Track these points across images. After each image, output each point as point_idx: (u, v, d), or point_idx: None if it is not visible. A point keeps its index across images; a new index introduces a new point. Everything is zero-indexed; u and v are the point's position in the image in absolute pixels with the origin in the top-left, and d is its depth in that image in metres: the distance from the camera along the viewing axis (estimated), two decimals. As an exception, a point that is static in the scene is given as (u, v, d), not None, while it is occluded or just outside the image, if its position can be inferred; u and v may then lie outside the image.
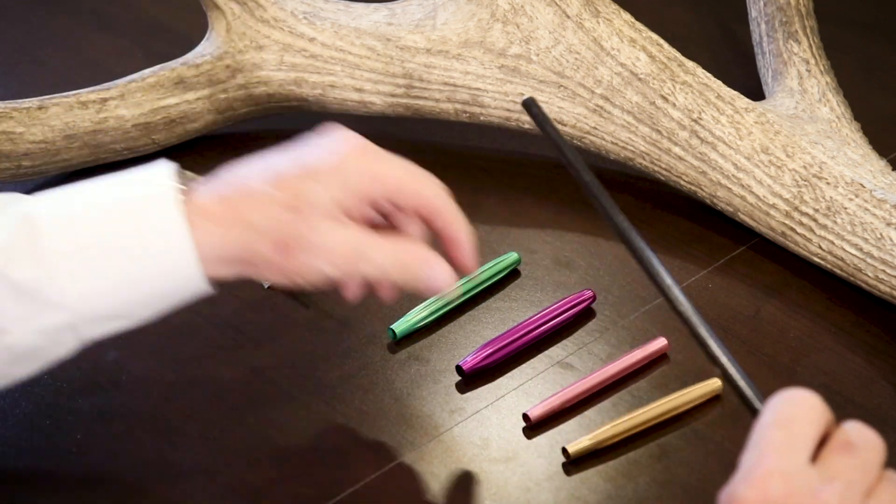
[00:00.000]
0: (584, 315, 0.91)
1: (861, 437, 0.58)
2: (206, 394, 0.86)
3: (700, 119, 0.97)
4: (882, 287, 0.91)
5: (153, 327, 0.90)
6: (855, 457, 0.57)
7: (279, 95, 1.04)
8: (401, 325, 0.90)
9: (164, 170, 0.73)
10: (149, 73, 1.02)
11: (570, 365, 0.88)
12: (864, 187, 0.92)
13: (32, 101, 0.99)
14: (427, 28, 1.02)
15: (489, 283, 0.94)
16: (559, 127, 1.00)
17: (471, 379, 0.87)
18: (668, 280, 0.68)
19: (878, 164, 0.96)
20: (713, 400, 0.85)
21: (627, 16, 1.00)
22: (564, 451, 0.82)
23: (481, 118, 1.03)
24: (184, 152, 1.05)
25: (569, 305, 0.91)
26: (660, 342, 0.89)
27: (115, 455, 0.82)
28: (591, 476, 0.81)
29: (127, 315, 0.73)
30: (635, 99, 0.98)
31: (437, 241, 0.78)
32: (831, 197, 0.93)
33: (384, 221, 0.77)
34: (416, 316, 0.90)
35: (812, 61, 1.03)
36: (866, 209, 0.92)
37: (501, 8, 1.00)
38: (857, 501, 0.56)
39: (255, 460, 0.82)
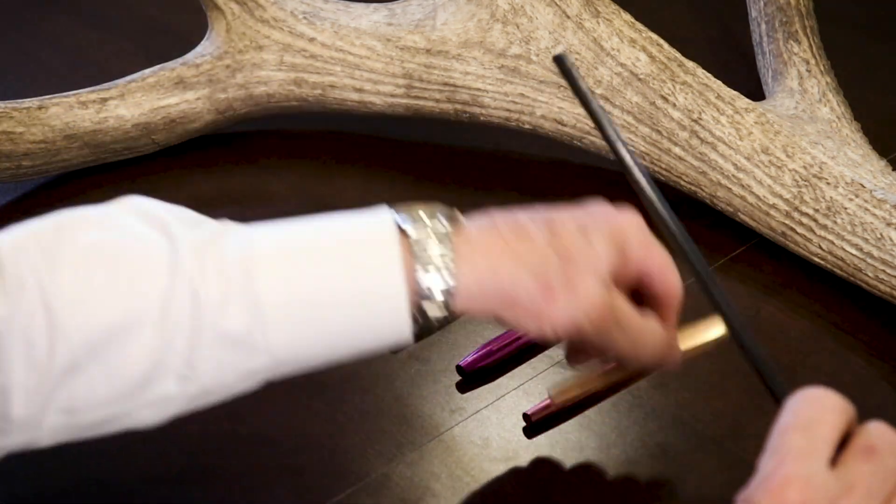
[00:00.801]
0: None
1: (883, 439, 0.57)
2: (206, 393, 0.86)
3: (700, 119, 0.97)
4: (882, 287, 0.91)
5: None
6: (876, 463, 0.56)
7: (279, 95, 1.04)
8: (401, 325, 0.90)
9: (386, 213, 0.69)
10: (149, 73, 1.02)
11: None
12: (864, 187, 0.92)
13: (32, 101, 0.99)
14: (427, 28, 1.02)
15: (489, 283, 0.94)
16: (560, 127, 1.01)
17: (471, 378, 0.87)
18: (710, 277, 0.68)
19: (879, 164, 0.96)
20: (716, 395, 0.85)
21: (627, 16, 1.00)
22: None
23: (481, 118, 1.03)
24: (184, 152, 1.05)
25: (569, 305, 0.91)
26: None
27: (115, 455, 0.82)
28: (593, 476, 0.81)
29: (324, 358, 0.70)
30: (635, 99, 0.98)
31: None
32: (831, 197, 0.93)
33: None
34: (416, 316, 0.90)
35: (812, 61, 1.03)
36: (866, 209, 0.92)
37: (501, 8, 1.00)
38: None
39: (254, 460, 0.82)
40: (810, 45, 1.04)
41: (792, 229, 0.95)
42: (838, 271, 0.93)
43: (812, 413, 0.57)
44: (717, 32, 1.21)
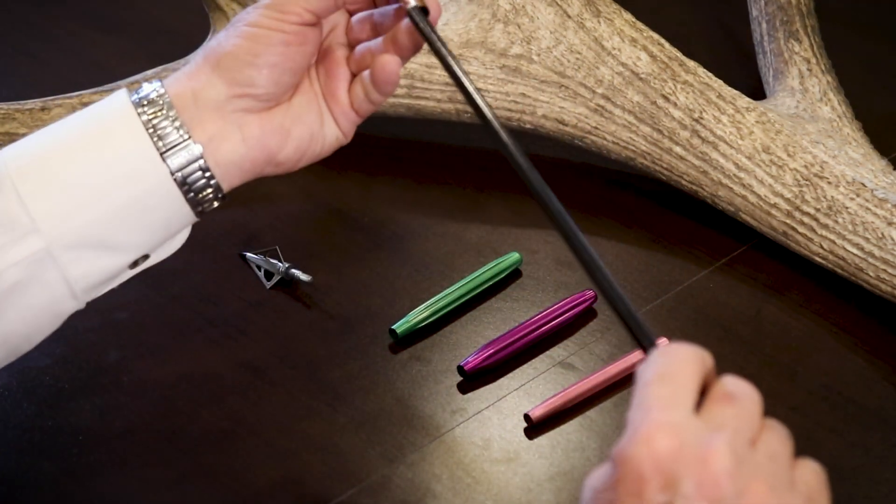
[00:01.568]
0: (586, 315, 0.91)
1: (739, 387, 0.59)
2: (206, 394, 0.86)
3: (701, 118, 0.97)
4: (883, 287, 0.91)
5: (153, 327, 0.90)
6: (738, 406, 0.58)
7: (281, 96, 1.04)
8: (402, 326, 0.90)
9: (120, 91, 0.73)
10: (151, 74, 1.02)
11: (571, 365, 0.88)
12: (865, 187, 0.92)
13: (35, 103, 0.99)
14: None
15: (490, 283, 0.94)
16: (562, 127, 1.01)
17: (472, 379, 0.87)
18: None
19: (880, 163, 0.96)
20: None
21: (628, 15, 1.00)
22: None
23: (483, 118, 1.03)
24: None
25: (570, 305, 0.91)
26: (661, 342, 0.88)
27: (116, 455, 0.82)
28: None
29: (107, 242, 0.72)
30: (636, 98, 0.98)
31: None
32: (832, 196, 0.93)
33: None
34: (417, 316, 0.90)
35: (813, 60, 1.03)
36: (867, 209, 0.92)
37: (503, 8, 1.00)
38: (745, 448, 0.57)
39: (256, 461, 0.82)
40: (811, 45, 1.04)
41: (793, 229, 0.95)
42: (839, 271, 0.93)
43: (671, 365, 0.59)
44: (717, 32, 1.21)
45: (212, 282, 0.94)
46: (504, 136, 0.69)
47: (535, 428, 0.84)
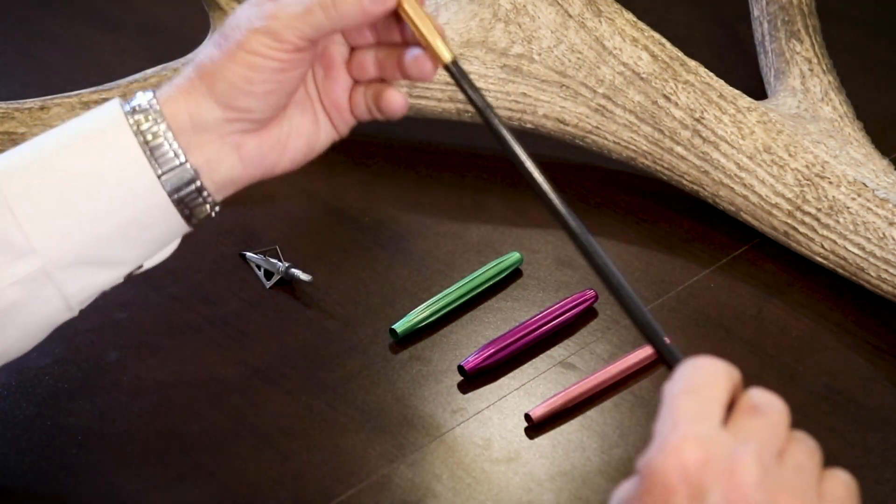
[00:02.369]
0: (586, 315, 0.91)
1: (765, 399, 0.59)
2: (206, 394, 0.86)
3: (702, 118, 0.97)
4: (884, 287, 0.91)
5: (153, 327, 0.90)
6: (764, 418, 0.58)
7: (281, 95, 1.04)
8: (402, 325, 0.90)
9: (113, 102, 0.72)
10: (151, 73, 1.02)
11: (572, 365, 0.88)
12: (866, 187, 0.92)
13: (34, 102, 0.99)
14: (429, 28, 1.02)
15: (491, 282, 0.94)
16: (562, 126, 1.00)
17: (473, 379, 0.87)
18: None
19: (881, 163, 0.96)
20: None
21: (629, 15, 1.00)
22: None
23: (483, 118, 1.02)
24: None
25: (571, 305, 0.91)
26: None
27: (116, 456, 0.82)
28: (593, 477, 0.81)
29: (104, 259, 0.72)
30: (637, 98, 0.98)
31: None
32: (834, 196, 0.93)
33: None
34: (417, 316, 0.90)
35: (814, 60, 1.03)
36: (869, 209, 0.92)
37: (503, 7, 1.00)
38: (772, 461, 0.57)
39: (256, 461, 0.82)
40: (812, 45, 1.04)
41: (794, 229, 0.94)
42: (840, 271, 0.93)
43: (701, 378, 0.59)
44: (719, 31, 1.20)
45: (211, 281, 0.94)
46: (561, 207, 0.70)
47: (535, 428, 0.84)
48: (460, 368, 0.87)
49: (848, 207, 0.92)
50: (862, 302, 0.93)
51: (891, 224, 0.91)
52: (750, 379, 0.86)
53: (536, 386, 0.87)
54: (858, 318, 0.92)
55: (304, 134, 0.75)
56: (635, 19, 1.00)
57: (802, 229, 0.94)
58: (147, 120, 0.71)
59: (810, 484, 0.57)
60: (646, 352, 0.88)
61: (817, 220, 0.93)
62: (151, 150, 0.71)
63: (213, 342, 0.89)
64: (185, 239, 0.95)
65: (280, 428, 0.84)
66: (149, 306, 0.92)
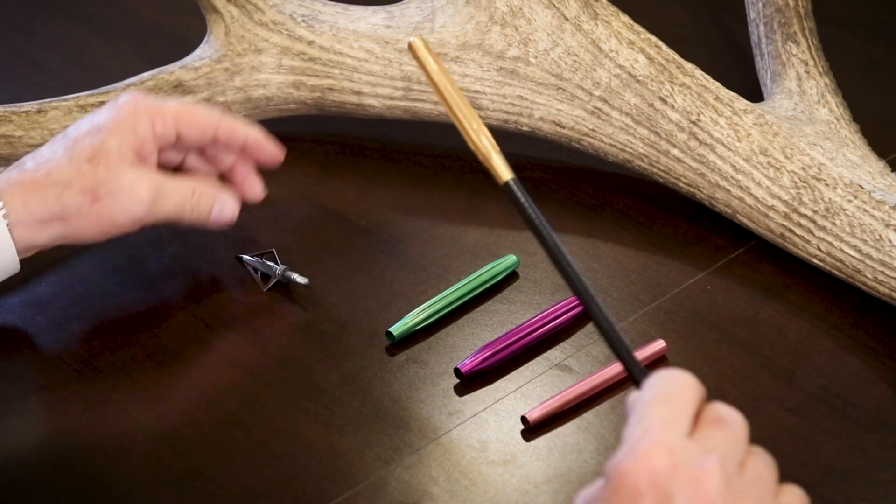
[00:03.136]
0: (583, 317, 0.91)
1: (728, 413, 0.62)
2: (203, 397, 0.86)
3: (699, 121, 0.97)
4: (881, 288, 0.91)
5: (149, 329, 0.90)
6: (728, 430, 0.61)
7: (278, 98, 1.04)
8: (399, 328, 0.90)
9: None
10: (148, 77, 1.02)
11: (568, 367, 0.88)
12: (863, 189, 0.92)
13: (32, 105, 0.99)
14: (425, 31, 1.02)
15: (487, 285, 0.94)
16: (559, 129, 1.00)
17: (469, 381, 0.87)
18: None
19: (877, 165, 0.96)
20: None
21: (626, 18, 1.00)
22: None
23: (480, 120, 1.02)
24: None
25: (567, 308, 0.91)
26: (658, 344, 0.89)
27: (115, 458, 0.82)
28: (590, 479, 0.81)
29: None
30: (634, 101, 0.98)
31: (241, 155, 0.91)
32: (830, 198, 0.93)
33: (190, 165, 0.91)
34: (414, 318, 0.90)
35: (811, 62, 1.03)
36: (865, 210, 0.92)
37: (500, 10, 1.00)
38: (735, 471, 0.60)
39: (252, 463, 0.82)
40: (809, 47, 1.04)
41: (791, 231, 0.95)
42: (837, 273, 0.93)
43: (672, 389, 0.62)
44: (715, 34, 1.21)
45: (208, 284, 0.94)
46: (534, 215, 0.71)
47: (532, 430, 0.84)
48: (457, 371, 0.87)
49: (844, 209, 0.92)
50: (859, 304, 0.93)
51: (887, 225, 0.91)
52: (747, 381, 0.86)
53: (533, 388, 0.87)
54: (855, 320, 0.92)
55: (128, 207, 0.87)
56: (631, 22, 1.00)
57: (799, 231, 0.94)
58: None
59: (769, 495, 0.61)
60: (642, 355, 0.88)
61: (814, 222, 0.93)
62: None
63: (210, 345, 0.89)
64: (182, 242, 0.95)
65: (276, 430, 0.84)
66: (145, 308, 0.92)
